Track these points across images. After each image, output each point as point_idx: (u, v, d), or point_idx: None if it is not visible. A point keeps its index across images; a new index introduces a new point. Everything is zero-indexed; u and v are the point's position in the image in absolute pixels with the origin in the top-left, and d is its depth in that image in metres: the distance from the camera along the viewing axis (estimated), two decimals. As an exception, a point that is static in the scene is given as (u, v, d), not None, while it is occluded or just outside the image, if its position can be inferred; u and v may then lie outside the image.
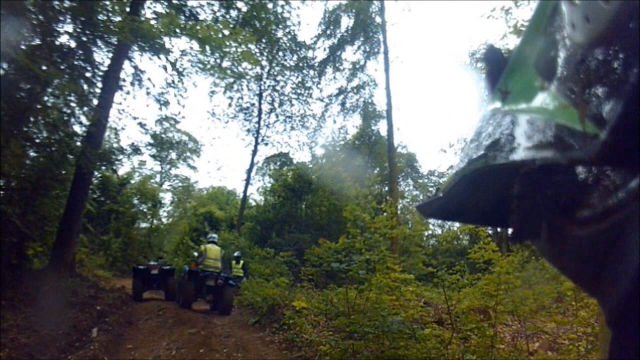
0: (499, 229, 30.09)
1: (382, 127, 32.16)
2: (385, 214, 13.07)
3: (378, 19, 29.65)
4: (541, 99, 0.70)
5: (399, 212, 26.72)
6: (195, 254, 16.91)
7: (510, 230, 0.80)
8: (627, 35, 0.52)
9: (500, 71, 0.87)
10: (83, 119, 15.64)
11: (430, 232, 35.21)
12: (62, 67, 13.93)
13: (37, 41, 13.42)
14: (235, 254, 18.92)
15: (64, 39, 14.33)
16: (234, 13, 22.70)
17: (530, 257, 15.19)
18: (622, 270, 0.54)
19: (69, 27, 14.17)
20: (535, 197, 0.71)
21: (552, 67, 0.68)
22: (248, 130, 33.02)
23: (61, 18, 13.59)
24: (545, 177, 0.67)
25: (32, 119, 13.96)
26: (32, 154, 14.77)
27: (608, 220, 0.56)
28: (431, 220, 38.16)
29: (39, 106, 13.97)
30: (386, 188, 31.93)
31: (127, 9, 15.92)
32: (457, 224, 35.58)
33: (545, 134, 0.65)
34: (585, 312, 9.14)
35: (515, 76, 0.83)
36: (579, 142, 0.57)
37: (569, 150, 0.59)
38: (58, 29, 13.85)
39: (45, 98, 14.49)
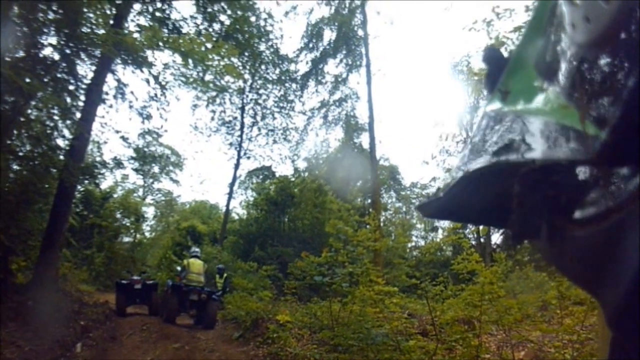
0: (482, 239, 30.27)
1: (364, 139, 32.17)
2: (368, 226, 13.08)
3: (360, 32, 29.77)
4: (541, 99, 0.70)
5: (382, 224, 26.76)
6: (179, 268, 16.86)
7: (510, 231, 0.79)
8: (627, 36, 0.52)
9: (500, 71, 0.87)
10: (66, 132, 15.53)
11: (413, 243, 35.37)
12: (45, 79, 13.85)
13: (21, 53, 13.35)
14: (217, 267, 18.80)
15: (47, 52, 14.28)
16: (217, 26, 22.66)
17: (514, 267, 15.27)
18: (622, 271, 0.54)
19: (53, 40, 14.12)
20: (535, 197, 0.70)
21: (552, 67, 0.68)
22: (230, 144, 33.00)
23: (45, 30, 13.52)
24: (545, 177, 0.67)
25: (15, 132, 13.87)
26: (15, 167, 14.65)
27: (608, 220, 0.56)
28: (414, 232, 38.44)
29: (22, 119, 13.88)
30: (369, 200, 31.97)
31: (111, 22, 15.85)
32: (440, 235, 35.78)
33: (546, 134, 0.66)
34: (570, 320, 9.18)
35: (516, 76, 0.84)
36: (579, 142, 0.58)
37: (569, 151, 0.60)
38: (42, 41, 13.80)
39: (29, 111, 14.40)
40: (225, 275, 18.08)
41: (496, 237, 32.24)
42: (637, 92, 0.50)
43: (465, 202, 0.92)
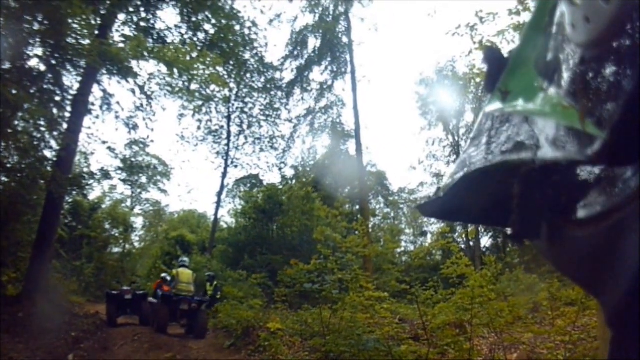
0: (471, 243, 30.33)
1: (351, 146, 32.19)
2: (357, 232, 13.08)
3: (345, 39, 29.80)
4: (541, 99, 0.71)
5: (370, 230, 26.76)
6: (168, 278, 16.78)
7: (510, 230, 0.80)
8: (626, 36, 0.53)
9: (500, 71, 0.87)
10: (53, 143, 15.49)
11: (402, 249, 35.33)
12: (32, 91, 13.82)
13: (7, 65, 13.31)
14: (207, 274, 18.58)
15: (33, 63, 14.26)
16: (201, 35, 22.57)
17: (505, 269, 15.30)
18: (622, 271, 0.54)
19: (39, 51, 14.09)
20: (535, 197, 0.71)
21: (552, 67, 0.69)
22: (217, 153, 32.80)
23: (31, 41, 13.49)
24: (545, 177, 0.68)
25: (2, 143, 13.81)
26: (3, 179, 14.59)
27: (608, 220, 0.57)
28: (403, 237, 38.46)
29: (9, 130, 13.83)
30: (357, 207, 31.95)
31: (96, 32, 15.81)
32: (429, 240, 35.83)
33: (545, 134, 0.66)
34: (561, 321, 9.21)
35: (516, 76, 0.84)
36: (579, 142, 0.58)
37: (569, 151, 0.60)
38: (28, 52, 13.76)
39: (16, 122, 14.34)
40: (215, 282, 17.94)
41: (485, 241, 32.31)
42: (636, 93, 0.50)
43: (465, 202, 0.92)
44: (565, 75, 0.65)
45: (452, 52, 39.08)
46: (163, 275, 19.60)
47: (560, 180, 0.66)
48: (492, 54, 0.94)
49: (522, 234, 0.79)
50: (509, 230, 0.80)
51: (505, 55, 0.91)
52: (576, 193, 0.63)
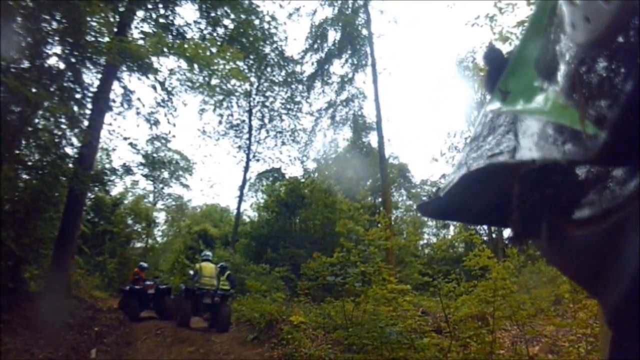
0: (494, 235, 30.15)
1: (372, 139, 32.10)
2: (379, 225, 13.06)
3: (365, 32, 29.70)
4: (541, 99, 0.71)
5: (393, 222, 26.67)
6: (191, 272, 16.83)
7: (510, 230, 0.80)
8: (626, 36, 0.53)
9: (500, 71, 0.88)
10: (74, 140, 15.57)
11: (425, 241, 35.24)
12: (51, 89, 13.91)
13: (26, 63, 13.41)
14: (219, 264, 18.01)
15: (52, 61, 14.32)
16: (220, 30, 22.56)
17: (527, 262, 15.20)
18: (621, 271, 0.54)
19: (58, 49, 14.16)
20: (535, 197, 0.71)
21: (552, 67, 0.69)
22: (239, 147, 32.83)
23: (49, 40, 13.57)
24: (545, 177, 0.68)
25: (23, 141, 13.93)
26: (24, 176, 14.70)
27: (608, 220, 0.57)
28: (425, 229, 38.36)
29: (30, 129, 13.94)
30: (379, 199, 31.89)
31: (115, 30, 15.87)
32: (452, 232, 35.68)
33: (545, 134, 0.66)
34: (583, 314, 9.13)
35: (516, 76, 0.84)
36: (579, 142, 0.57)
37: (568, 151, 0.59)
38: (47, 51, 13.84)
39: (36, 120, 14.46)
40: (227, 272, 17.46)
41: (508, 232, 32.11)
42: (636, 93, 0.50)
43: (465, 202, 0.93)
44: (565, 75, 0.64)
45: (472, 43, 38.80)
46: (142, 264, 19.68)
47: (560, 180, 0.67)
48: (492, 53, 0.95)
49: (522, 234, 0.79)
50: (509, 230, 0.81)
51: (506, 55, 0.92)
52: (576, 193, 0.64)
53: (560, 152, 0.61)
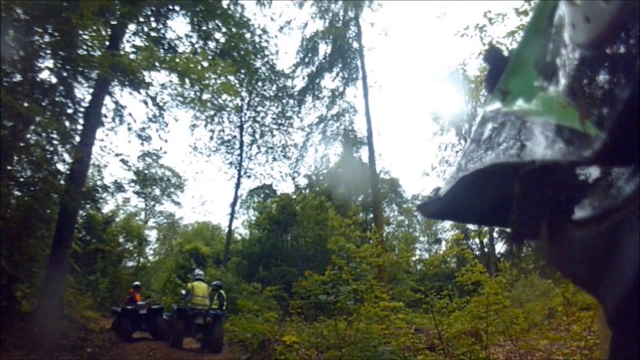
0: (486, 249, 30.30)
1: (364, 153, 32.30)
2: (370, 241, 13.07)
3: (355, 45, 29.94)
4: (541, 99, 0.73)
5: (384, 238, 26.72)
6: (183, 292, 16.78)
7: (510, 230, 0.80)
8: (627, 36, 0.54)
9: (500, 71, 0.89)
10: (66, 156, 15.66)
11: (417, 257, 35.31)
12: (43, 103, 13.94)
13: (18, 77, 13.41)
14: (213, 283, 17.62)
15: (44, 75, 14.40)
16: (212, 44, 22.74)
17: (519, 275, 15.26)
18: (621, 271, 0.54)
19: (50, 63, 14.22)
20: (535, 197, 0.71)
21: (552, 67, 0.71)
22: (230, 163, 33.02)
23: (41, 53, 13.60)
24: (545, 177, 0.68)
25: (15, 157, 13.92)
26: (16, 193, 14.69)
27: (608, 220, 0.57)
28: (417, 245, 38.44)
29: (22, 144, 13.96)
30: (371, 215, 31.97)
31: (107, 43, 15.92)
32: (444, 247, 35.81)
33: (545, 134, 0.67)
34: (577, 326, 9.19)
35: (516, 76, 0.85)
36: (579, 143, 0.59)
37: (568, 151, 0.61)
38: (39, 65, 13.88)
39: (28, 136, 14.48)
40: (220, 292, 17.14)
41: (500, 247, 32.21)
42: (636, 93, 0.50)
43: (465, 202, 0.93)
44: (565, 76, 0.66)
45: (462, 55, 39.20)
46: (136, 283, 19.62)
47: (560, 180, 0.66)
48: (492, 54, 0.96)
49: (522, 234, 0.78)
50: (509, 230, 0.80)
51: (506, 55, 0.93)
52: (576, 193, 0.63)
53: (561, 152, 0.63)
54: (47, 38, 13.51)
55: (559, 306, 10.35)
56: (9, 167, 13.71)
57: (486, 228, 27.27)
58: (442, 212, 1.04)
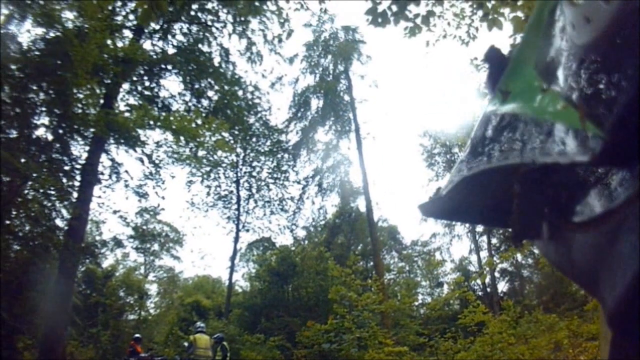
0: (488, 289, 30.01)
1: (360, 203, 32.19)
2: (372, 289, 13.04)
3: (347, 97, 30.06)
4: (541, 100, 0.72)
5: (386, 285, 26.55)
6: (185, 344, 16.62)
7: (510, 230, 0.81)
8: (627, 36, 0.54)
9: (501, 71, 0.89)
10: (64, 212, 15.60)
11: (419, 301, 34.98)
12: (40, 159, 13.97)
13: (15, 134, 13.47)
14: (215, 335, 17.29)
15: (40, 132, 14.43)
16: (205, 102, 22.77)
17: (523, 312, 15.15)
18: (621, 271, 0.55)
19: (46, 120, 14.27)
20: (535, 197, 0.72)
21: (552, 67, 0.70)
22: (228, 218, 32.67)
23: (37, 110, 13.68)
24: (545, 177, 0.70)
25: (14, 212, 13.91)
26: (15, 247, 14.64)
27: (608, 221, 0.58)
28: (420, 290, 38.09)
29: (20, 199, 13.94)
30: (371, 263, 31.75)
31: (101, 102, 16.02)
32: (446, 290, 35.46)
33: (545, 134, 0.66)
34: (584, 357, 9.09)
35: (516, 76, 0.85)
36: (579, 143, 0.58)
37: (568, 151, 0.60)
38: (35, 122, 13.94)
39: (26, 191, 14.47)
40: (224, 343, 16.83)
41: (502, 285, 31.96)
42: (636, 93, 0.51)
43: (466, 202, 0.93)
44: (566, 76, 0.65)
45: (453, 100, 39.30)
46: (136, 335, 19.40)
47: (560, 181, 0.68)
48: (493, 53, 0.96)
49: (522, 234, 0.80)
50: (509, 230, 0.81)
51: (506, 55, 0.93)
52: (576, 193, 0.64)
53: (560, 153, 0.62)
54: (42, 95, 13.59)
55: (564, 339, 10.24)
56: (8, 222, 13.70)
57: (487, 269, 27.07)
58: (442, 212, 1.05)
